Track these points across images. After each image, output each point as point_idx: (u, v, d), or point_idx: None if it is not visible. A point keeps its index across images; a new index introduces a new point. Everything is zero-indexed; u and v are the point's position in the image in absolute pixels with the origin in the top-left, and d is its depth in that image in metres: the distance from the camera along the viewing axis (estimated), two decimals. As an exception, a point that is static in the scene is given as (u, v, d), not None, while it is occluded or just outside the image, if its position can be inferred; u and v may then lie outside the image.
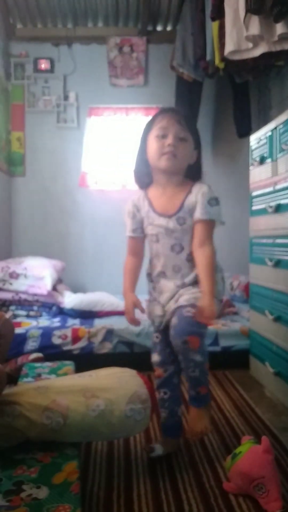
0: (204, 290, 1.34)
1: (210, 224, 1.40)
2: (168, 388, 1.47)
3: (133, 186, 1.58)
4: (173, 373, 1.48)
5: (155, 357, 1.50)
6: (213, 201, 1.40)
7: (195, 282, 1.41)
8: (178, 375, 1.50)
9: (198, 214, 1.39)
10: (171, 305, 1.42)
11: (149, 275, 1.52)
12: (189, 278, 1.42)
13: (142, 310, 1.45)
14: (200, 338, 1.36)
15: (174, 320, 1.38)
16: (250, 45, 2.17)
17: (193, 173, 1.47)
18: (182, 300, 1.39)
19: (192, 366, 1.36)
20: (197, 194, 1.40)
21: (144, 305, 1.48)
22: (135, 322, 1.46)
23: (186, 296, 1.39)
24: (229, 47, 2.23)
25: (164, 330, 1.46)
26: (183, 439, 1.53)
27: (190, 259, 1.41)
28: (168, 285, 1.44)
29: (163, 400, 1.47)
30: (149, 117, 1.51)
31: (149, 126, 1.44)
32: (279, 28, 1.99)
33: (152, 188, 1.48)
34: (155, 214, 1.43)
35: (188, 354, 1.34)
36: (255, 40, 2.13)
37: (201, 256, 1.39)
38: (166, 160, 1.39)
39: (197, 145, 1.45)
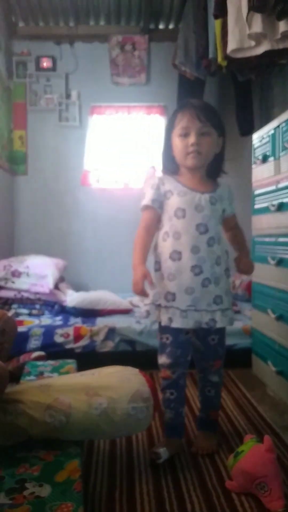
0: (244, 252, 1.57)
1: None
2: (175, 389, 1.46)
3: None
4: (181, 375, 1.47)
5: (164, 359, 1.46)
6: (233, 200, 1.57)
7: (217, 278, 1.43)
8: (185, 376, 1.50)
9: (231, 209, 1.54)
10: (191, 308, 1.40)
11: (157, 262, 1.46)
12: (214, 274, 1.43)
13: (151, 282, 1.40)
14: (222, 360, 1.54)
15: (199, 344, 1.50)
16: (253, 43, 2.17)
17: (214, 166, 1.51)
18: (212, 320, 1.42)
19: (209, 385, 1.54)
20: (227, 189, 1.52)
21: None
22: (144, 293, 1.39)
23: (217, 316, 1.43)
24: (231, 45, 2.22)
25: (177, 330, 1.42)
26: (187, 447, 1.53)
27: (211, 244, 1.42)
28: (182, 270, 1.40)
29: (169, 401, 1.46)
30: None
31: (172, 124, 1.47)
32: (282, 26, 1.98)
33: (178, 175, 1.50)
34: (187, 188, 1.44)
35: (208, 375, 1.53)
36: (258, 38, 2.12)
37: (237, 231, 1.59)
38: (191, 159, 1.43)
39: (222, 133, 1.47)
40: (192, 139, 1.40)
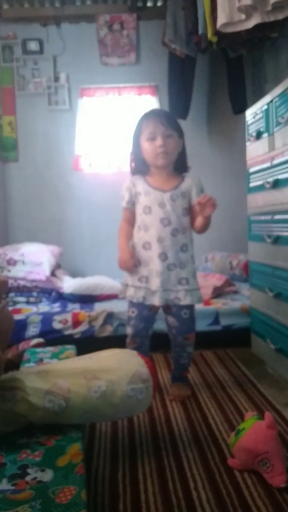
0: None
1: None
2: None
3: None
4: (142, 344, 1.78)
5: (129, 330, 1.78)
6: (203, 189, 1.73)
7: (182, 263, 1.69)
8: (146, 346, 1.81)
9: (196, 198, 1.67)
10: (160, 288, 1.66)
11: (133, 247, 1.74)
12: (179, 260, 1.68)
13: (137, 261, 1.71)
14: (194, 333, 1.77)
15: (173, 321, 1.74)
16: (243, 16, 2.11)
17: (180, 163, 1.74)
18: (176, 298, 1.68)
19: (185, 356, 1.79)
20: (192, 183, 1.71)
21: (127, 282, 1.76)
22: (131, 269, 1.70)
23: (180, 295, 1.68)
24: (221, 19, 2.17)
25: (142, 306, 1.71)
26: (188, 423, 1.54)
27: (175, 234, 1.68)
28: (152, 257, 1.68)
29: None
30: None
31: (139, 130, 1.70)
32: (273, -3, 1.93)
33: (149, 174, 1.74)
34: (152, 188, 1.70)
35: (185, 347, 1.77)
36: (248, 11, 2.07)
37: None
38: (161, 159, 1.67)
39: (180, 135, 1.70)
40: (159, 141, 1.64)
